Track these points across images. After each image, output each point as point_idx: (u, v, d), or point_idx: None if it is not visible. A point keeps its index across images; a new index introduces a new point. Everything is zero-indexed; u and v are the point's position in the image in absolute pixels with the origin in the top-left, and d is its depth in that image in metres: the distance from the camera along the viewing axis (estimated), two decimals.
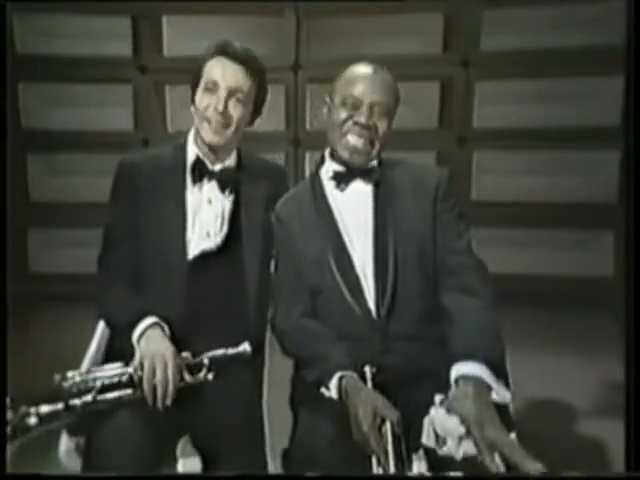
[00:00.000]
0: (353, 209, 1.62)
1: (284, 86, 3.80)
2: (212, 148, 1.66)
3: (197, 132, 1.68)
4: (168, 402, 1.40)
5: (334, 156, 1.65)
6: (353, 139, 1.58)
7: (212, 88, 1.61)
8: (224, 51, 1.62)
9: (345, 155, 1.60)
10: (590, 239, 3.72)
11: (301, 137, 3.86)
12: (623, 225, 1.45)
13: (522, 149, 3.76)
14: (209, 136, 1.63)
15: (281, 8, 3.74)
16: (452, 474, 1.25)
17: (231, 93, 1.61)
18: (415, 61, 3.68)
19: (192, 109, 1.68)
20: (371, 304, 1.53)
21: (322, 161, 1.69)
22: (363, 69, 1.62)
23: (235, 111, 1.62)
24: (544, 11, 3.58)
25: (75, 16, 3.71)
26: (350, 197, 1.63)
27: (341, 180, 1.63)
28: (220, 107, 1.60)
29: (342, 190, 1.63)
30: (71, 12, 3.69)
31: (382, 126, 1.59)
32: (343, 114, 1.59)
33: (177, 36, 3.79)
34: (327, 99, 1.66)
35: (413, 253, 1.55)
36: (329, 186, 1.65)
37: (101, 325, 1.68)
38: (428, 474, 1.32)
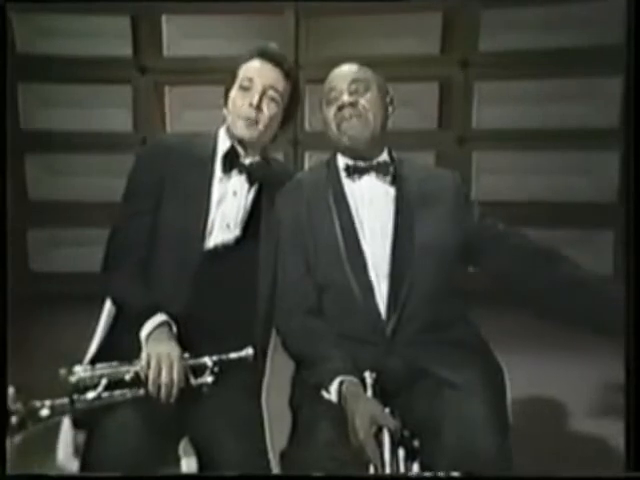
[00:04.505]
0: (369, 205, 1.59)
1: None
2: (243, 143, 1.67)
3: (228, 129, 1.69)
4: (171, 402, 1.40)
5: (343, 153, 1.65)
6: (345, 125, 1.58)
7: (247, 86, 1.64)
8: (262, 53, 1.66)
9: (347, 142, 1.59)
10: (590, 239, 3.72)
11: (300, 137, 3.84)
12: (623, 225, 1.45)
13: (521, 149, 3.76)
14: (241, 131, 1.64)
15: (280, 8, 3.74)
16: (453, 474, 1.25)
17: (266, 89, 1.63)
18: (414, 61, 3.69)
19: (224, 111, 1.70)
20: (381, 306, 1.51)
21: (336, 153, 1.69)
22: (336, 69, 1.66)
23: (268, 108, 1.64)
24: (543, 11, 3.58)
25: (75, 16, 3.70)
26: (366, 191, 1.61)
27: (353, 172, 1.62)
28: (254, 101, 1.62)
29: (354, 181, 1.62)
30: (71, 12, 3.69)
31: (366, 100, 1.59)
32: (331, 110, 1.60)
33: (177, 36, 3.79)
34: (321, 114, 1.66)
35: (432, 261, 1.54)
36: (344, 175, 1.64)
37: (105, 316, 1.68)
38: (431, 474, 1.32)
